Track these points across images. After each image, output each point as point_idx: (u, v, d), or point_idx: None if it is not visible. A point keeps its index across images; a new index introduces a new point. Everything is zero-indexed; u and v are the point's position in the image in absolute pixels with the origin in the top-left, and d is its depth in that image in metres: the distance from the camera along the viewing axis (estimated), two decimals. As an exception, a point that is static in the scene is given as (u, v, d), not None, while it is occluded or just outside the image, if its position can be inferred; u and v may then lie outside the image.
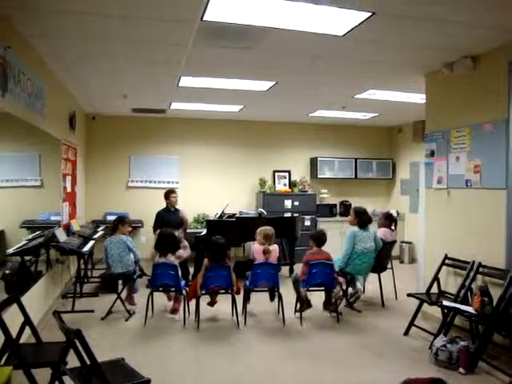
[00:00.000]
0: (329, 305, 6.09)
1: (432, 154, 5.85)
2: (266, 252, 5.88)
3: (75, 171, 7.86)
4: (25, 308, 3.59)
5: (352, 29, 4.25)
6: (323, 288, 5.92)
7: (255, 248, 6.04)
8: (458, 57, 5.14)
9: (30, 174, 5.47)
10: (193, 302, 5.74)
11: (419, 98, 7.15)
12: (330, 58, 5.41)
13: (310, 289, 5.80)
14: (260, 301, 6.26)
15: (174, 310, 6.00)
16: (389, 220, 7.08)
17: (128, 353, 3.57)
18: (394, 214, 7.88)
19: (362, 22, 4.07)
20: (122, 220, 6.46)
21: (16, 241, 4.87)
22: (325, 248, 6.04)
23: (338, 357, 4.75)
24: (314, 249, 6.01)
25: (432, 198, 5.90)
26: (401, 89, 6.92)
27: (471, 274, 4.97)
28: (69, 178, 7.28)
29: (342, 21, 4.10)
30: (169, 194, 8.08)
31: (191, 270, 7.59)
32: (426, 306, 5.43)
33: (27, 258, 5.20)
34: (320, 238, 6.06)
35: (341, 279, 6.25)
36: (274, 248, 6.00)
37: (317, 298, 6.15)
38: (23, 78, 4.60)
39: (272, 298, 6.27)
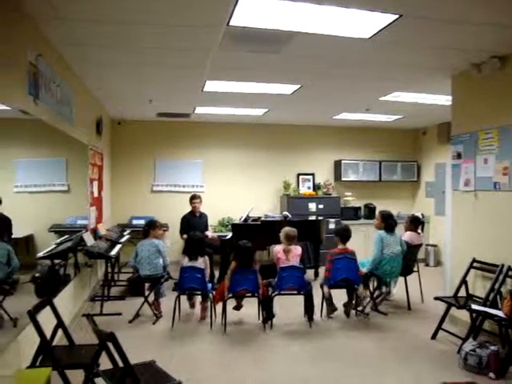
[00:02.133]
0: (350, 305, 6.11)
1: (459, 156, 5.79)
2: (286, 251, 5.92)
3: (101, 176, 7.97)
4: (57, 311, 3.66)
5: (379, 31, 4.23)
6: (346, 286, 5.99)
7: (276, 248, 6.07)
8: (486, 57, 5.07)
9: (57, 179, 5.56)
10: (219, 306, 5.77)
11: (445, 100, 7.08)
12: (356, 61, 5.39)
13: (334, 288, 5.85)
14: (286, 304, 6.26)
15: (202, 318, 6.03)
16: (415, 223, 7.02)
17: (156, 355, 3.60)
18: (420, 217, 7.80)
19: (389, 25, 4.05)
20: (152, 224, 6.51)
21: (44, 245, 4.95)
22: (350, 247, 6.09)
23: (365, 360, 4.73)
24: (339, 247, 6.06)
25: (459, 200, 5.83)
26: (426, 91, 6.86)
27: (500, 278, 4.90)
28: (95, 183, 7.39)
29: (368, 23, 4.08)
30: (191, 200, 8.22)
31: (217, 273, 7.62)
32: (453, 310, 5.37)
33: (56, 261, 5.30)
34: (344, 234, 6.12)
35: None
36: (296, 248, 6.02)
37: (341, 298, 6.16)
38: (53, 85, 4.70)
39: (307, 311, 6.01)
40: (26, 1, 3.67)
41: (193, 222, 7.92)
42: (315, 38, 4.45)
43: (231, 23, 4.10)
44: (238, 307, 5.96)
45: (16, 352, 3.57)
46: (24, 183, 4.41)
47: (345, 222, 9.93)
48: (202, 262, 5.91)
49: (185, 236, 7.23)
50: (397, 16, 3.87)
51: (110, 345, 2.86)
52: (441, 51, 4.95)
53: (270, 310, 5.76)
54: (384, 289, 6.51)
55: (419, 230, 7.07)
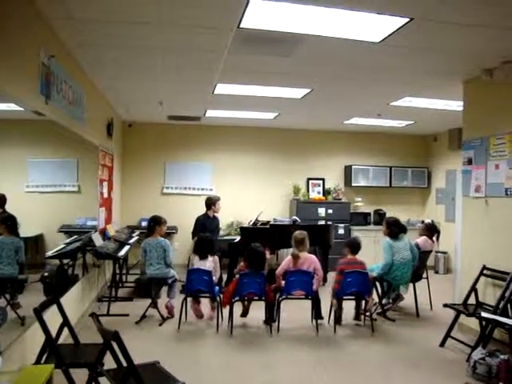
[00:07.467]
0: (359, 316, 6.07)
1: (469, 161, 5.74)
2: (295, 257, 5.81)
3: (111, 177, 8.01)
4: (64, 310, 3.67)
5: (389, 35, 4.21)
6: (356, 298, 5.94)
7: (282, 264, 5.94)
8: (498, 62, 5.01)
9: (67, 180, 5.59)
10: (226, 309, 5.74)
11: (456, 106, 7.03)
12: (366, 66, 5.37)
13: (344, 298, 5.78)
14: (293, 308, 6.22)
15: (210, 318, 6.02)
16: (430, 231, 7.00)
17: (161, 357, 3.58)
18: (437, 226, 7.78)
19: (400, 28, 4.03)
20: (159, 221, 6.38)
21: (54, 245, 4.98)
22: (359, 257, 6.02)
23: (371, 367, 4.68)
24: (349, 257, 5.99)
25: (469, 206, 5.77)
26: (438, 96, 6.81)
27: (511, 286, 4.84)
28: (105, 184, 7.42)
29: (378, 27, 4.07)
30: (216, 201, 7.92)
31: (224, 276, 7.60)
32: (462, 318, 5.31)
33: (65, 261, 5.32)
34: (355, 245, 6.06)
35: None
36: (307, 259, 5.85)
37: (350, 305, 6.11)
38: (65, 86, 4.73)
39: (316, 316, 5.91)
40: (39, 1, 3.71)
41: (208, 224, 7.74)
42: (325, 41, 4.44)
43: (242, 25, 4.11)
44: (244, 314, 5.93)
45: (22, 349, 3.58)
46: (35, 183, 4.44)
47: (354, 228, 9.96)
48: (211, 262, 5.91)
49: None
50: (407, 19, 3.85)
51: (115, 345, 2.86)
52: (452, 56, 4.91)
53: (274, 314, 5.71)
54: (393, 295, 6.48)
55: (434, 238, 7.03)
